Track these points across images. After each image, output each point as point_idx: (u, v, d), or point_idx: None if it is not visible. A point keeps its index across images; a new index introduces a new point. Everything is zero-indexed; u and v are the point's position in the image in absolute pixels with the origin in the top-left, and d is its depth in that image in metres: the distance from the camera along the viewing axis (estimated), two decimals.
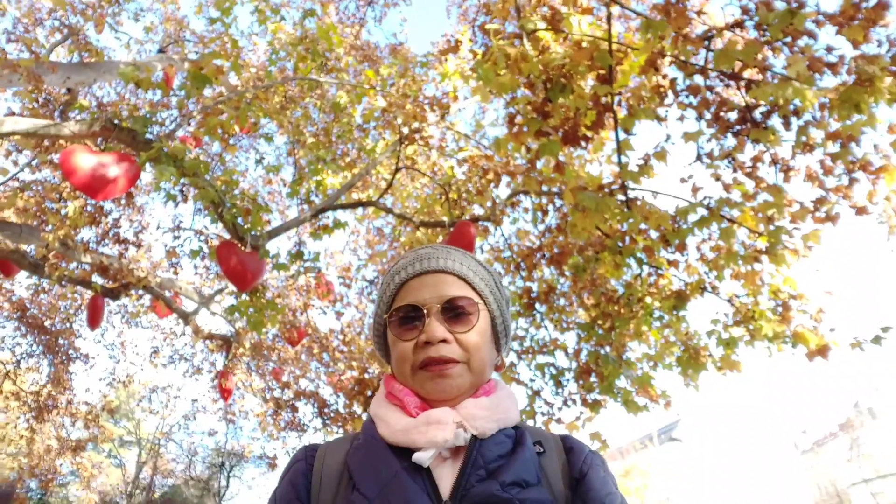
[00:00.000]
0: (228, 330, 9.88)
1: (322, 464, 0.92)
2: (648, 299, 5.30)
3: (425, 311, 0.90)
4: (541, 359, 5.77)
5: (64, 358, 11.77)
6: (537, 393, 5.80)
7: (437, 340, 0.89)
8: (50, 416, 11.77)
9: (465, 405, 0.90)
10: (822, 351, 4.85)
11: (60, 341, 11.68)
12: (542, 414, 5.87)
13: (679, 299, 5.28)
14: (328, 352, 10.48)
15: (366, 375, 6.50)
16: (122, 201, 7.35)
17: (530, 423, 5.79)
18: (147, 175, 7.32)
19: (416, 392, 0.92)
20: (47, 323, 11.36)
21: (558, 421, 5.80)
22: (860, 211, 4.05)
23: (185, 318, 8.91)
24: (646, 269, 5.49)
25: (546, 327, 5.87)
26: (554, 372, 5.70)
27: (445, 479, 0.86)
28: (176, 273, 8.52)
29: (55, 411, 11.80)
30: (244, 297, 5.38)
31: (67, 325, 11.44)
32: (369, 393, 6.37)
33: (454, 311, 0.91)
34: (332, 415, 10.28)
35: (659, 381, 6.44)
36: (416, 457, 0.84)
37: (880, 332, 4.25)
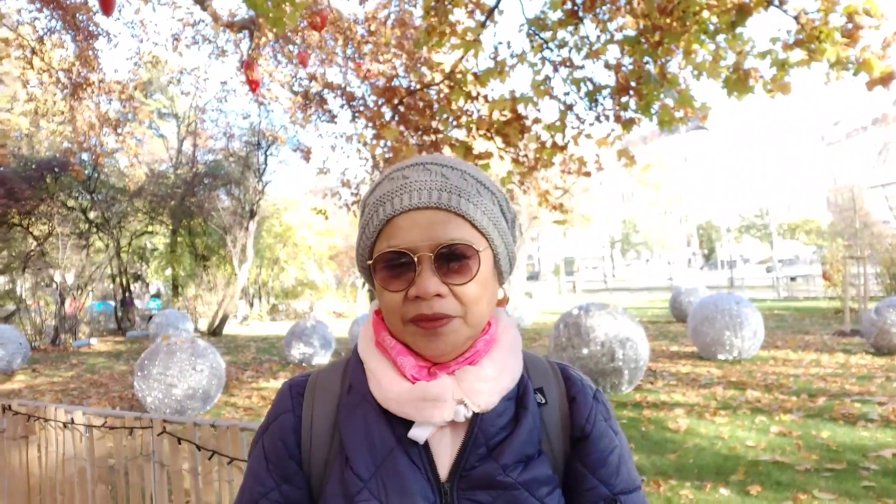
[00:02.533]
0: (249, 14, 9.31)
1: (311, 415, 0.84)
2: (706, 13, 4.77)
3: (416, 260, 0.75)
4: (578, 73, 5.46)
5: (87, 34, 11.48)
6: (570, 107, 5.64)
7: (431, 296, 0.75)
8: (84, 93, 11.93)
9: (467, 376, 0.78)
10: (886, 80, 4.51)
11: (79, 17, 11.28)
12: (573, 128, 5.80)
13: (740, 13, 4.76)
14: (353, 42, 10.04)
15: (393, 83, 6.27)
16: None
17: (558, 138, 5.76)
18: None
19: (409, 346, 0.80)
20: None
21: (588, 136, 5.75)
22: None
23: (202, 3, 8.36)
24: None
25: (587, 37, 5.43)
26: (590, 88, 5.46)
27: (444, 454, 0.79)
28: None
29: (88, 89, 11.91)
30: None
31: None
32: (396, 101, 6.25)
33: (450, 260, 0.76)
34: (360, 108, 10.34)
35: (697, 93, 6.15)
36: (413, 433, 0.77)
37: None
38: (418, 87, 6.25)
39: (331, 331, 11.41)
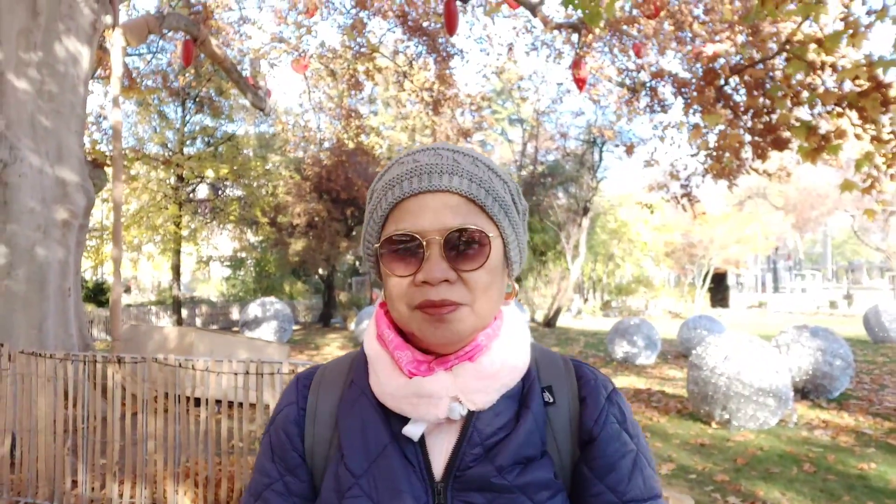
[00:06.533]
0: (577, 15, 9.52)
1: (315, 407, 0.84)
2: None
3: (425, 244, 0.72)
4: None
5: (445, 55, 13.17)
6: None
7: (438, 282, 0.71)
8: (442, 108, 13.74)
9: (464, 373, 0.75)
10: None
11: (439, 40, 13.01)
12: None
13: None
14: (686, 26, 9.46)
15: (718, 62, 5.72)
16: None
17: None
18: None
19: (413, 333, 0.76)
20: (424, 24, 12.60)
21: None
22: None
23: (533, 9, 8.86)
24: None
25: None
26: None
27: (439, 452, 0.76)
28: None
29: (446, 104, 13.66)
30: None
31: (440, 24, 12.55)
32: (722, 82, 5.69)
33: (460, 245, 0.72)
34: (693, 94, 9.69)
35: None
36: (407, 430, 0.75)
37: None
38: (745, 64, 5.58)
39: (657, 331, 10.95)
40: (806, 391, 7.19)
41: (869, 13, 4.55)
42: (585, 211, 19.64)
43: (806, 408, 6.85)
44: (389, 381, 0.77)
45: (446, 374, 0.76)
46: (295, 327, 18.18)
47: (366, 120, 16.48)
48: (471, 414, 0.76)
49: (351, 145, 15.32)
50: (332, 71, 13.04)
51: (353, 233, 21.54)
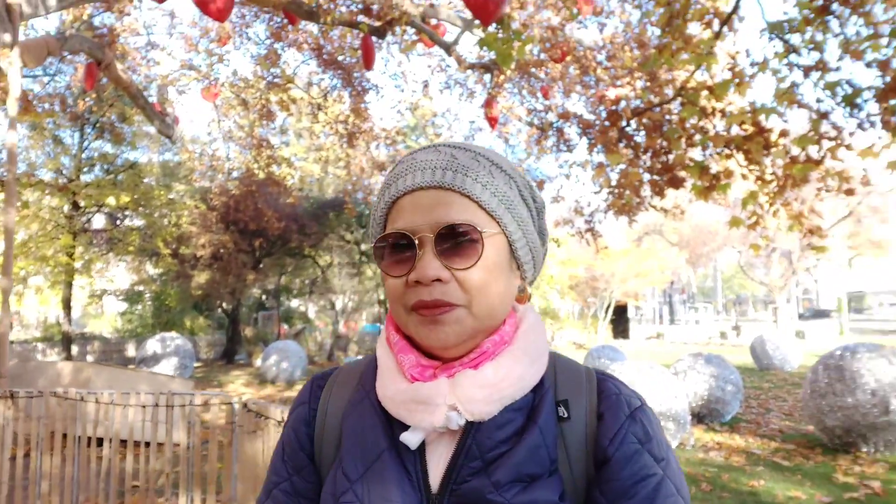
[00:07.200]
0: (490, 56, 9.92)
1: (326, 408, 0.82)
2: None
3: (417, 242, 0.70)
4: (831, 77, 4.78)
5: (360, 89, 13.27)
6: (824, 115, 4.95)
7: (430, 280, 0.69)
8: (358, 141, 13.78)
9: (463, 380, 0.71)
10: None
11: (354, 74, 13.11)
12: (829, 140, 5.07)
13: None
14: (590, 71, 10.07)
15: (621, 105, 6.13)
16: None
17: (812, 150, 5.09)
18: None
19: (412, 336, 0.74)
20: (339, 58, 12.68)
21: (848, 147, 4.97)
22: None
23: (448, 49, 9.15)
24: None
25: (844, 33, 4.73)
26: (848, 91, 4.73)
27: (438, 463, 0.72)
28: (432, 6, 8.59)
29: (361, 136, 13.72)
30: (492, 28, 5.25)
31: (355, 59, 12.67)
32: (623, 124, 6.09)
33: (452, 242, 0.70)
34: (597, 134, 10.26)
35: None
36: (404, 437, 0.71)
37: None
38: (644, 107, 6.01)
39: None
40: (701, 415, 7.63)
41: (752, 65, 5.03)
42: None
43: (702, 431, 7.28)
44: (391, 385, 0.74)
45: (446, 381, 0.72)
46: (196, 364, 17.35)
47: (278, 150, 16.24)
48: (470, 425, 0.71)
49: (261, 175, 15.02)
50: (243, 100, 12.84)
51: (261, 265, 20.96)
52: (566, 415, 0.74)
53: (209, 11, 5.29)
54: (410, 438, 0.71)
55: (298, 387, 12.47)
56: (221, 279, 19.13)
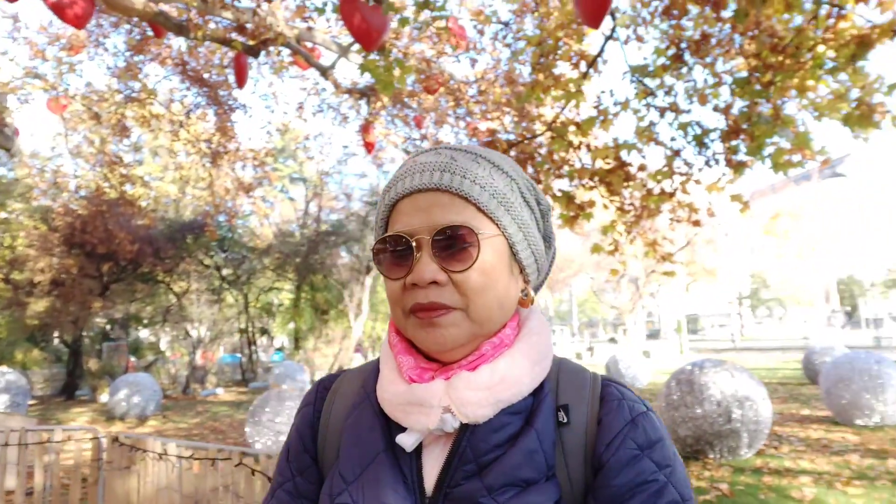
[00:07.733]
0: (367, 82, 9.97)
1: (330, 410, 0.81)
2: (821, 48, 4.54)
3: (414, 244, 0.70)
4: (684, 118, 5.34)
5: (227, 108, 12.75)
6: (677, 153, 5.50)
7: (426, 283, 0.69)
8: (222, 160, 13.19)
9: (458, 383, 0.70)
10: None
11: (221, 93, 12.57)
12: (680, 174, 5.63)
13: (861, 46, 4.48)
14: (463, 103, 10.43)
15: (491, 138, 6.41)
16: None
17: (666, 184, 5.61)
18: None
19: (413, 342, 0.75)
20: (206, 75, 12.13)
21: (697, 182, 5.56)
22: None
23: (324, 72, 9.08)
24: (825, 8, 4.63)
25: (694, 80, 5.32)
26: (698, 132, 5.30)
27: (433, 466, 0.72)
28: (309, 30, 8.52)
29: (226, 156, 13.15)
30: (372, 55, 5.29)
31: (223, 77, 12.19)
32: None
33: (448, 244, 0.69)
34: None
35: (818, 135, 5.81)
36: (400, 439, 0.71)
37: None
38: (518, 140, 6.34)
39: None
40: None
41: (616, 104, 5.49)
42: (368, 270, 20.01)
43: None
44: (389, 387, 0.74)
45: (442, 383, 0.71)
46: (30, 402, 15.50)
47: (131, 169, 15.16)
48: (465, 427, 0.71)
49: (113, 195, 13.89)
50: (95, 114, 11.87)
51: (108, 291, 19.25)
52: (566, 420, 0.73)
53: (66, 17, 4.89)
54: (406, 440, 0.71)
55: (152, 422, 11.51)
56: (62, 307, 17.32)
